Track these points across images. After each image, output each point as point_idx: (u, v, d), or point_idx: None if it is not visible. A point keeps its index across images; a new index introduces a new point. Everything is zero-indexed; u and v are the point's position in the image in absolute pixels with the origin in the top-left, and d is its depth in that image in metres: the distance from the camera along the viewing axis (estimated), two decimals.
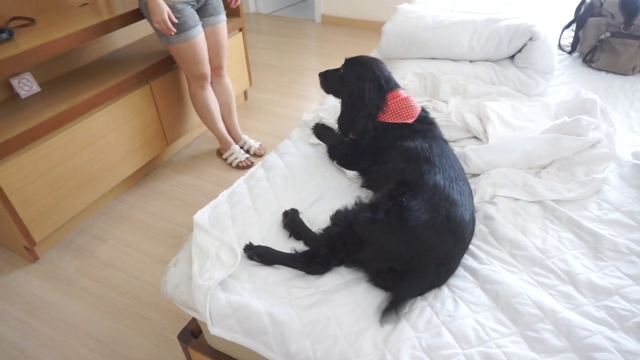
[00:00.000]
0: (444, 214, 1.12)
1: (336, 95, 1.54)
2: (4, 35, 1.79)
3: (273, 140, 2.75)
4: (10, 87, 2.05)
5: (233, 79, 2.58)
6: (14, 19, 2.01)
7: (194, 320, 1.36)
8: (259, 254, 1.18)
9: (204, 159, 2.68)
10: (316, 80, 1.48)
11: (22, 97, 2.06)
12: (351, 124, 1.45)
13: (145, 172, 2.54)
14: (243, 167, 2.54)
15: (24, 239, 1.93)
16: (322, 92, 1.60)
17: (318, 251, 1.15)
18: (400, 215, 1.10)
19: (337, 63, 1.53)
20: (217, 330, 1.08)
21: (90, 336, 1.72)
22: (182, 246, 1.29)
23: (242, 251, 1.20)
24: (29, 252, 2.02)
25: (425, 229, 1.09)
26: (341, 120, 1.49)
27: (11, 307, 1.85)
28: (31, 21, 2.03)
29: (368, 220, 1.12)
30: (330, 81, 1.55)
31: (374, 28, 4.23)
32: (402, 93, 1.44)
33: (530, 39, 1.82)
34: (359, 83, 1.42)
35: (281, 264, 1.17)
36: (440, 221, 1.11)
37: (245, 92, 3.22)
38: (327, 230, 1.20)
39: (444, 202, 1.14)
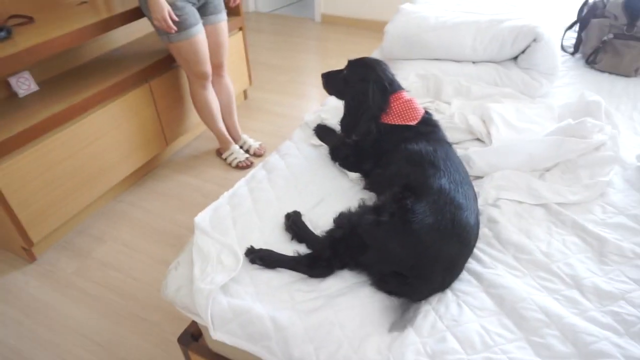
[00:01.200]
0: (449, 217, 1.11)
1: (339, 96, 1.53)
2: (2, 33, 1.77)
3: (273, 140, 2.73)
4: (8, 86, 2.02)
5: (233, 79, 2.56)
6: (12, 17, 1.98)
7: (194, 322, 1.34)
8: (261, 257, 1.16)
9: (204, 158, 2.66)
10: (316, 80, 1.46)
11: (21, 96, 2.03)
12: (354, 126, 1.43)
13: (145, 172, 2.52)
14: (243, 167, 2.53)
15: (21, 239, 1.91)
16: (322, 91, 1.58)
17: (321, 254, 1.14)
18: (405, 218, 1.09)
19: (336, 62, 1.53)
20: (219, 334, 1.07)
21: (87, 338, 1.70)
22: (183, 248, 1.28)
23: (244, 254, 1.18)
24: (27, 252, 2.00)
25: (430, 233, 1.08)
26: (344, 121, 1.48)
27: (8, 308, 1.83)
28: (30, 19, 2.01)
29: (372, 222, 1.11)
30: (333, 82, 1.53)
31: (374, 27, 4.22)
32: (406, 95, 1.43)
33: (534, 40, 1.81)
34: (363, 84, 1.40)
35: (283, 267, 1.15)
36: (445, 225, 1.10)
37: (245, 92, 3.20)
38: (330, 232, 1.18)
39: (449, 206, 1.13)
